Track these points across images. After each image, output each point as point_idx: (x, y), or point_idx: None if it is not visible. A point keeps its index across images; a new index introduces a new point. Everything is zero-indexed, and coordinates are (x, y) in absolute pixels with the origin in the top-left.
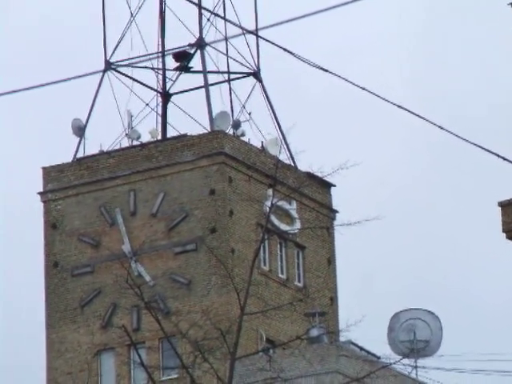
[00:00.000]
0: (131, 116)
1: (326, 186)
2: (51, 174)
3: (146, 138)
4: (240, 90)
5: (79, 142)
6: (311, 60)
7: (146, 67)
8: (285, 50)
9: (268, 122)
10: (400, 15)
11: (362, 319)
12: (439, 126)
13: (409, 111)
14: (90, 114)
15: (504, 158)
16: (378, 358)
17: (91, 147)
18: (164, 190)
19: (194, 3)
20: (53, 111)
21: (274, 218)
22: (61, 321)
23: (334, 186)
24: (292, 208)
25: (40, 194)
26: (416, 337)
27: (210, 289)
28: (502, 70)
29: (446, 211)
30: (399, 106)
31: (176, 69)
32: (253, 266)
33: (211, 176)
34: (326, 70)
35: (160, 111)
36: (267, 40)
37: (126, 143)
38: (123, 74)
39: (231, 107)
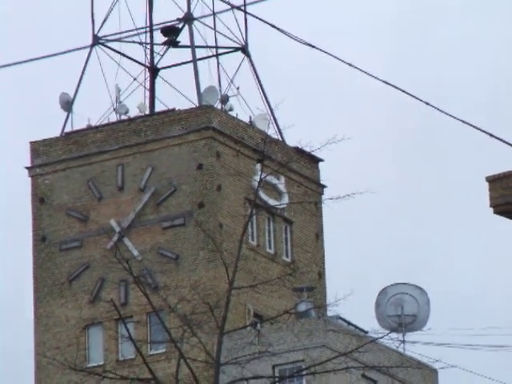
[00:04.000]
0: (119, 90)
1: (314, 160)
2: (39, 148)
3: (133, 112)
4: (228, 65)
5: (67, 117)
6: (298, 36)
7: (133, 42)
8: (272, 25)
9: (256, 96)
10: None
11: (350, 294)
12: (426, 102)
13: (395, 87)
14: (77, 89)
15: (491, 135)
16: (366, 332)
17: (79, 122)
18: (152, 165)
19: None
20: (41, 86)
21: (262, 193)
22: (48, 295)
23: (322, 160)
24: (280, 183)
25: (28, 168)
26: (403, 311)
27: (198, 263)
28: (488, 41)
29: (434, 186)
30: (385, 82)
31: (164, 43)
32: (241, 241)
33: (199, 151)
34: (313, 46)
35: (148, 86)
36: (254, 16)
37: (113, 118)
38: (111, 49)
39: (219, 82)
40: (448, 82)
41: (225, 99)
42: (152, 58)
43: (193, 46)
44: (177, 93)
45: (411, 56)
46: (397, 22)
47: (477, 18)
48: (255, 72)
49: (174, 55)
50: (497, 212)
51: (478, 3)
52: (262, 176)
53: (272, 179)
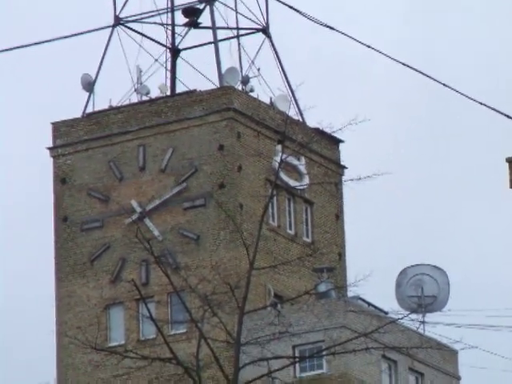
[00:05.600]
0: (140, 71)
1: (335, 141)
2: (61, 129)
3: (155, 93)
4: (249, 46)
5: (88, 97)
6: (318, 18)
7: (155, 23)
8: (291, 7)
9: (277, 78)
10: None
11: (370, 274)
12: (444, 84)
13: (415, 69)
14: (99, 70)
15: (509, 116)
16: (386, 313)
17: (100, 102)
18: (173, 146)
19: None
20: (62, 66)
21: (282, 174)
22: (70, 275)
23: (343, 141)
24: (301, 164)
25: (49, 149)
26: (423, 292)
27: (218, 244)
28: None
29: (454, 167)
30: (404, 64)
31: (185, 24)
32: (262, 222)
33: (220, 131)
34: (333, 28)
35: (169, 67)
36: None
37: (135, 99)
38: (132, 30)
39: (240, 63)
40: (462, 65)
41: (246, 80)
42: (173, 38)
43: (214, 27)
44: (198, 74)
45: (430, 37)
46: (418, 2)
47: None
48: (276, 53)
49: (195, 36)
50: None
51: None
52: (283, 157)
53: (292, 160)
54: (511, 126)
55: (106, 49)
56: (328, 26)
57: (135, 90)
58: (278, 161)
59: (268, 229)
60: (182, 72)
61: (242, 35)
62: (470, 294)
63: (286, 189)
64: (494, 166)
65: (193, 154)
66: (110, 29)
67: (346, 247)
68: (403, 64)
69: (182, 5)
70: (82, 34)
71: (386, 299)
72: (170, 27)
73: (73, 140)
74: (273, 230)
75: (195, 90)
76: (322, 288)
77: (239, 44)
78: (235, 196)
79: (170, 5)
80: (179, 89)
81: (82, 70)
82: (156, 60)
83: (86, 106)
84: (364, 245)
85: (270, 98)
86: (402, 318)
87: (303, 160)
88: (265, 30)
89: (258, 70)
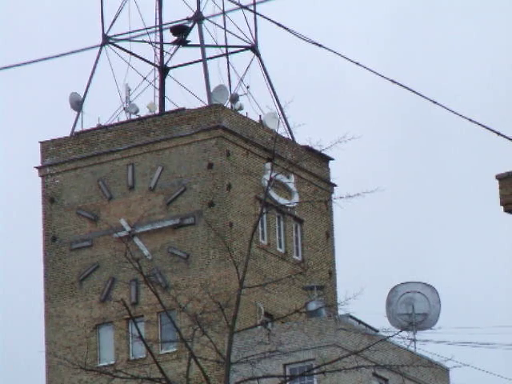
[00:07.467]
0: (129, 90)
1: (324, 159)
2: (49, 148)
3: (143, 112)
4: (238, 64)
5: (77, 117)
6: (307, 35)
7: (143, 41)
8: (279, 25)
9: (266, 95)
10: None
11: (361, 293)
12: (433, 101)
13: (403, 86)
14: (87, 88)
15: (498, 133)
16: (377, 331)
17: (89, 121)
18: (162, 164)
19: None
20: (50, 85)
21: (272, 192)
22: (59, 295)
23: (332, 159)
24: (290, 182)
25: (38, 168)
26: (414, 310)
27: (208, 263)
28: (489, 42)
29: (444, 185)
30: (393, 81)
31: (174, 43)
32: (251, 240)
33: (209, 150)
34: (321, 46)
35: (158, 85)
36: (263, 16)
37: (123, 117)
38: (121, 48)
39: (229, 81)
40: (450, 82)
41: (235, 98)
42: (162, 57)
43: (202, 45)
44: (187, 92)
45: (420, 55)
46: (406, 19)
47: (476, 18)
48: (265, 71)
49: (184, 54)
50: (507, 210)
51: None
52: (272, 175)
53: (282, 178)
54: (501, 143)
55: (94, 67)
56: (316, 43)
57: (124, 109)
58: (268, 179)
59: (258, 247)
60: (170, 90)
61: (231, 53)
62: (461, 311)
63: (276, 207)
64: (485, 183)
65: (182, 173)
66: (99, 47)
67: (337, 265)
68: (392, 81)
69: (171, 23)
70: (70, 53)
71: (376, 317)
72: (158, 45)
73: (61, 159)
74: (263, 249)
75: (184, 109)
76: (313, 306)
77: (228, 62)
78: (225, 214)
79: (158, 23)
80: (168, 107)
81: (71, 88)
82: (145, 78)
83: (74, 125)
84: (354, 263)
85: (260, 116)
86: (392, 336)
87: (293, 178)
88: (253, 48)
89: (247, 87)
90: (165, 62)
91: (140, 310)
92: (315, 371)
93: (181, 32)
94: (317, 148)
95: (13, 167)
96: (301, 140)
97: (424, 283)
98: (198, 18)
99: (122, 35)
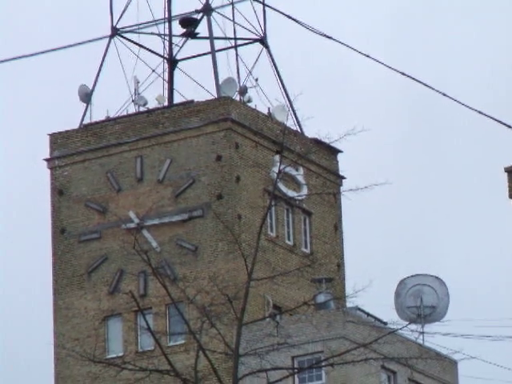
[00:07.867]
0: (138, 82)
1: (333, 152)
2: (58, 140)
3: (152, 104)
4: (246, 57)
5: (86, 109)
6: (316, 27)
7: (152, 33)
8: (289, 17)
9: (275, 88)
10: None
11: (369, 285)
12: (443, 93)
13: (413, 78)
14: (96, 81)
15: (509, 126)
16: (385, 323)
17: (98, 113)
18: (171, 157)
19: None
20: (59, 77)
21: (280, 185)
22: (68, 287)
23: (341, 152)
24: (299, 174)
25: (47, 160)
26: (423, 302)
27: (216, 255)
28: (493, 38)
29: (453, 177)
30: (403, 74)
31: (182, 35)
32: (260, 232)
33: (218, 142)
34: (330, 38)
35: (166, 77)
36: (272, 8)
37: (132, 109)
38: (130, 40)
39: (238, 73)
40: (450, 82)
41: (243, 90)
42: (170, 49)
43: (211, 38)
44: (195, 84)
45: (411, 56)
46: (416, 12)
47: (476, 18)
48: (274, 63)
49: (193, 47)
50: None
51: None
52: (281, 167)
53: (291, 170)
54: (510, 136)
55: (103, 60)
56: (325, 35)
57: (133, 101)
58: (277, 171)
59: (266, 239)
60: (179, 82)
61: (240, 45)
62: (470, 304)
63: (285, 199)
64: (493, 176)
65: (190, 165)
66: (108, 39)
67: (345, 257)
68: (401, 73)
69: (180, 15)
70: (79, 44)
71: (385, 310)
72: (167, 38)
73: (70, 151)
74: (271, 241)
75: (193, 101)
76: (321, 299)
77: (237, 54)
78: (233, 207)
79: (167, 15)
80: (177, 99)
81: (80, 81)
82: (153, 71)
83: (83, 117)
84: (363, 255)
85: (268, 109)
86: (401, 329)
87: (301, 170)
88: (262, 40)
89: (256, 80)
90: (173, 54)
91: (148, 302)
92: (323, 364)
93: (189, 24)
94: (325, 140)
95: (21, 159)
96: (309, 132)
97: (432, 276)
98: (207, 9)
99: (130, 27)
